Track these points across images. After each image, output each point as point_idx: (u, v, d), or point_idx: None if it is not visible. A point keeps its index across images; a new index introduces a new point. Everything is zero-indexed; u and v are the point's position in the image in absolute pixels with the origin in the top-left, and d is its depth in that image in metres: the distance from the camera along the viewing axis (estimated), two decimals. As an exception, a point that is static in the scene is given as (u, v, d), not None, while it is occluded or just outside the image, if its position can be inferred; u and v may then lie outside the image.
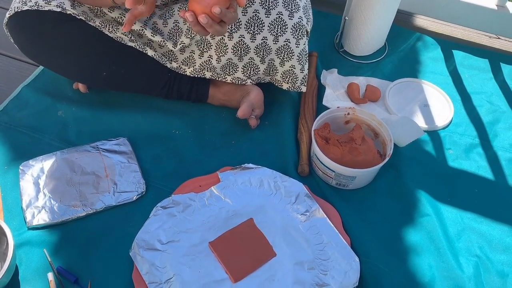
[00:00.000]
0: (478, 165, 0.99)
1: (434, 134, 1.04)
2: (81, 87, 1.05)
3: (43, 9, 0.87)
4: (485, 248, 0.86)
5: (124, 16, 0.93)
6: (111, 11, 0.92)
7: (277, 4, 0.90)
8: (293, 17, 0.91)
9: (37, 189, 0.88)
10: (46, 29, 0.89)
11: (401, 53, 1.22)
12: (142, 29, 0.93)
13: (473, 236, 0.88)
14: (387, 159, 0.90)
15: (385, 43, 1.23)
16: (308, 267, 0.80)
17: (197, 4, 0.74)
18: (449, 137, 1.04)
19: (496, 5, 1.24)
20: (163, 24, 0.95)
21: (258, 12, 0.91)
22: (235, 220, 0.86)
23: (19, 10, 0.90)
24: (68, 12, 0.89)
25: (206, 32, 0.77)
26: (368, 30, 1.15)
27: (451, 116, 1.07)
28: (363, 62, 1.20)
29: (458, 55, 1.22)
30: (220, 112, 1.05)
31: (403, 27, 1.28)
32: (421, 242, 0.86)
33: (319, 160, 0.91)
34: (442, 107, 1.09)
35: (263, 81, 1.02)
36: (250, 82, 1.00)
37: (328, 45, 1.23)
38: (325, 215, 0.86)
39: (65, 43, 0.81)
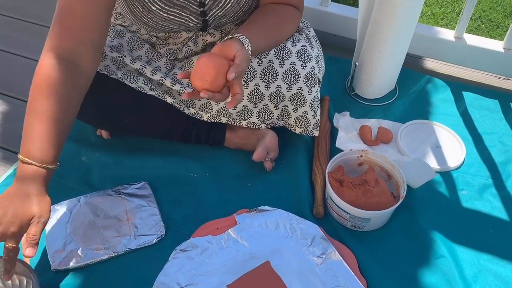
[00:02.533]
0: (492, 206, 1.00)
1: (447, 175, 1.05)
2: (104, 133, 1.10)
3: None
4: (502, 290, 0.86)
5: (146, 68, 0.98)
6: (133, 63, 0.98)
7: (291, 55, 0.95)
8: (305, 66, 0.96)
9: (61, 233, 0.92)
10: None
11: (411, 95, 1.25)
12: (162, 79, 0.99)
13: (489, 278, 0.88)
14: (400, 200, 0.91)
15: (395, 86, 1.27)
16: (325, 310, 0.81)
17: (196, 81, 0.80)
18: (462, 177, 1.05)
19: (503, 48, 1.27)
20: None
21: (273, 63, 0.96)
22: (252, 262, 0.88)
23: None
24: None
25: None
26: (378, 74, 1.19)
27: (463, 157, 1.09)
28: (374, 104, 1.23)
29: (468, 96, 1.25)
30: (237, 155, 1.09)
31: (413, 70, 1.32)
32: (437, 284, 0.86)
33: (334, 202, 0.93)
34: (454, 148, 1.11)
35: (277, 125, 1.06)
36: (265, 126, 1.04)
37: (340, 89, 1.28)
38: (341, 258, 0.87)
39: (89, 95, 0.86)
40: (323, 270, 0.86)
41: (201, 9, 0.91)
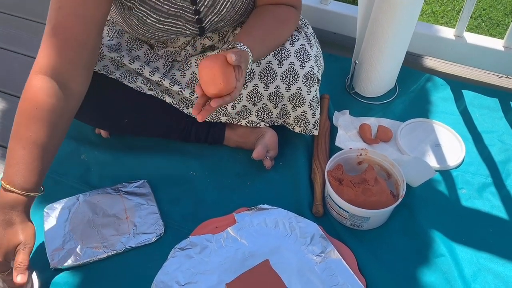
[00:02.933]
0: (491, 205, 1.00)
1: (446, 174, 1.05)
2: (103, 132, 1.10)
3: None
4: (502, 289, 0.86)
5: (144, 68, 0.98)
6: (131, 63, 0.97)
7: (289, 55, 0.95)
8: (304, 66, 0.95)
9: (60, 231, 0.92)
10: None
11: (411, 93, 1.25)
12: (161, 80, 0.99)
13: (489, 277, 0.88)
14: (400, 199, 0.91)
15: (395, 84, 1.27)
16: (324, 308, 0.81)
17: (210, 88, 0.78)
18: (461, 176, 1.05)
19: (503, 47, 1.27)
20: (181, 75, 1.01)
21: (271, 63, 0.95)
22: (251, 261, 0.88)
23: None
24: None
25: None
26: (378, 72, 1.19)
27: (463, 156, 1.09)
28: (374, 103, 1.23)
29: (468, 95, 1.25)
30: (236, 153, 1.09)
31: (412, 68, 1.32)
32: (437, 283, 0.86)
33: (333, 201, 0.93)
34: (454, 147, 1.11)
35: (276, 124, 1.06)
36: (264, 125, 1.04)
37: (339, 87, 1.27)
38: (340, 256, 0.87)
39: (88, 96, 0.86)
40: (322, 269, 0.86)
41: (197, 16, 0.90)
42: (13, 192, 0.76)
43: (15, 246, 0.76)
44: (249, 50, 0.83)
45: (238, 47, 0.83)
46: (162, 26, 0.90)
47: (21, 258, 0.75)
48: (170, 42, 1.01)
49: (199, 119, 0.80)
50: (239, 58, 0.77)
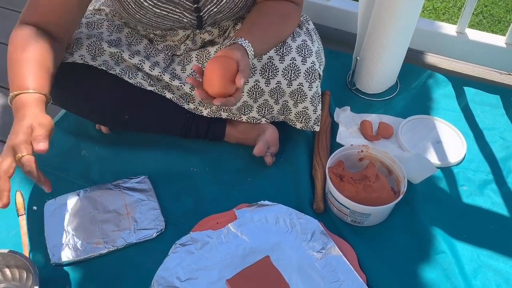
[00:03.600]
0: (492, 202, 1.00)
1: (447, 171, 1.05)
2: (103, 128, 1.10)
3: (66, 61, 0.93)
4: (502, 286, 0.86)
5: (144, 63, 0.97)
6: (131, 58, 0.97)
7: (291, 50, 0.95)
8: (306, 62, 0.95)
9: (61, 227, 0.92)
10: (70, 79, 0.94)
11: (413, 90, 1.25)
12: (161, 75, 0.98)
13: (489, 274, 0.88)
14: (401, 196, 0.91)
15: (396, 81, 1.27)
16: (325, 305, 0.81)
17: (207, 87, 0.80)
18: (462, 173, 1.05)
19: (505, 43, 1.27)
20: (181, 70, 1.00)
21: (273, 59, 0.95)
22: (251, 257, 0.88)
23: None
24: (90, 63, 0.94)
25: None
26: (379, 69, 1.18)
27: (464, 153, 1.08)
28: (375, 99, 1.23)
29: (469, 91, 1.25)
30: (237, 150, 1.08)
31: (414, 65, 1.31)
32: (437, 280, 0.86)
33: (334, 197, 0.93)
34: (455, 144, 1.11)
35: (277, 120, 1.05)
36: (265, 121, 1.04)
37: (341, 84, 1.27)
38: (340, 253, 0.87)
39: (88, 91, 0.86)
40: (322, 265, 0.86)
41: (195, 5, 0.90)
42: (26, 93, 0.75)
43: (30, 126, 0.73)
44: (250, 45, 0.83)
45: (240, 43, 0.83)
46: (159, 10, 0.89)
47: (37, 132, 0.72)
48: (169, 36, 1.01)
49: (196, 92, 0.81)
50: (244, 75, 0.79)
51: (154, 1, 0.87)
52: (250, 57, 0.83)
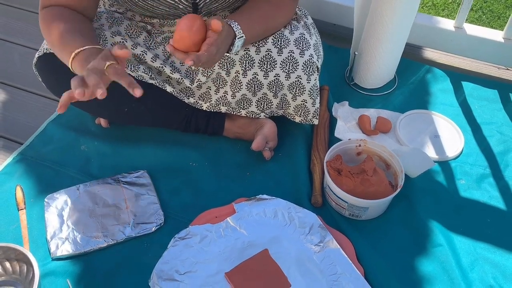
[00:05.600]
0: (490, 195, 1.00)
1: (445, 165, 1.06)
2: (102, 122, 1.10)
3: None
4: (499, 279, 0.87)
5: (146, 54, 0.98)
6: (134, 48, 0.97)
7: (289, 43, 0.95)
8: (304, 55, 0.95)
9: (61, 221, 0.92)
10: (70, 71, 0.95)
11: (411, 85, 1.25)
12: (162, 67, 0.99)
13: (486, 266, 0.89)
14: (398, 190, 0.92)
15: (394, 76, 1.27)
16: (323, 297, 0.82)
17: (176, 42, 0.80)
18: (460, 167, 1.05)
19: (503, 38, 1.27)
20: (180, 63, 1.01)
21: (271, 51, 0.95)
22: (250, 250, 0.88)
23: (47, 52, 0.96)
24: None
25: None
26: (377, 64, 1.19)
27: (462, 147, 1.09)
28: (373, 94, 1.23)
29: (467, 86, 1.25)
30: (235, 144, 1.09)
31: (412, 60, 1.32)
32: (434, 272, 0.87)
33: (332, 191, 0.93)
34: (453, 138, 1.11)
35: (276, 115, 1.06)
36: (264, 116, 1.04)
37: (339, 79, 1.27)
38: (338, 246, 0.87)
39: None
40: (321, 258, 0.87)
41: None
42: (84, 50, 0.80)
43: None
44: (239, 27, 0.86)
45: (229, 23, 0.85)
46: None
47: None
48: (167, 27, 1.01)
49: (168, 48, 0.81)
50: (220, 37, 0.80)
51: None
52: (237, 36, 0.85)
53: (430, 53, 1.36)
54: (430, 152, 1.08)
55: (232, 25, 0.86)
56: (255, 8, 0.93)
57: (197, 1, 0.92)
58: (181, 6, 0.93)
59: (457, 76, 1.28)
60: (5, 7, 1.53)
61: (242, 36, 0.87)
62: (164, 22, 1.00)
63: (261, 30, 0.93)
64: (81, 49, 0.80)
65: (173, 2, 0.92)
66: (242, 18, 0.89)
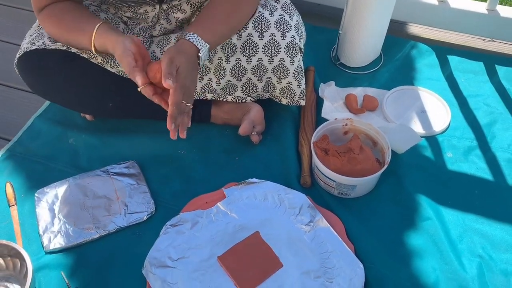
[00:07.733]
0: (477, 167, 1.01)
1: (432, 139, 1.06)
2: (87, 115, 1.10)
3: (49, 47, 0.92)
4: (487, 248, 0.88)
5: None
6: None
7: (269, 26, 0.94)
8: (285, 37, 0.95)
9: (52, 214, 0.93)
10: (52, 68, 0.94)
11: (396, 62, 1.25)
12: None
13: (475, 237, 0.90)
14: (385, 166, 0.92)
15: (380, 53, 1.27)
16: (314, 276, 0.83)
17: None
18: (447, 141, 1.06)
19: (487, 9, 1.27)
20: (160, 52, 1.00)
21: (252, 36, 0.95)
22: (241, 234, 0.89)
23: (27, 50, 0.95)
24: (73, 51, 0.94)
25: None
26: (362, 42, 1.18)
27: (449, 121, 1.09)
28: (359, 73, 1.23)
29: (453, 60, 1.25)
30: (223, 130, 1.09)
31: (397, 36, 1.31)
32: (424, 246, 0.88)
33: (320, 171, 0.94)
34: (440, 112, 1.11)
35: (262, 98, 1.06)
36: (250, 100, 1.04)
37: (325, 59, 1.27)
38: (328, 225, 0.88)
39: (70, 80, 0.86)
40: (311, 237, 0.88)
41: None
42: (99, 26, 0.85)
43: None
44: (199, 38, 0.84)
45: (187, 38, 0.84)
46: None
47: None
48: (141, 16, 0.99)
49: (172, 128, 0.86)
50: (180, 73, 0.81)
51: None
52: (200, 49, 0.84)
53: (415, 29, 1.35)
54: (417, 127, 1.08)
55: (191, 40, 0.84)
56: (217, 3, 0.90)
57: None
58: None
59: (442, 50, 1.27)
60: (4, 7, 1.51)
61: (206, 45, 0.85)
62: (137, 15, 0.99)
63: (226, 30, 0.91)
64: (96, 27, 0.86)
65: None
66: (204, 21, 0.87)
